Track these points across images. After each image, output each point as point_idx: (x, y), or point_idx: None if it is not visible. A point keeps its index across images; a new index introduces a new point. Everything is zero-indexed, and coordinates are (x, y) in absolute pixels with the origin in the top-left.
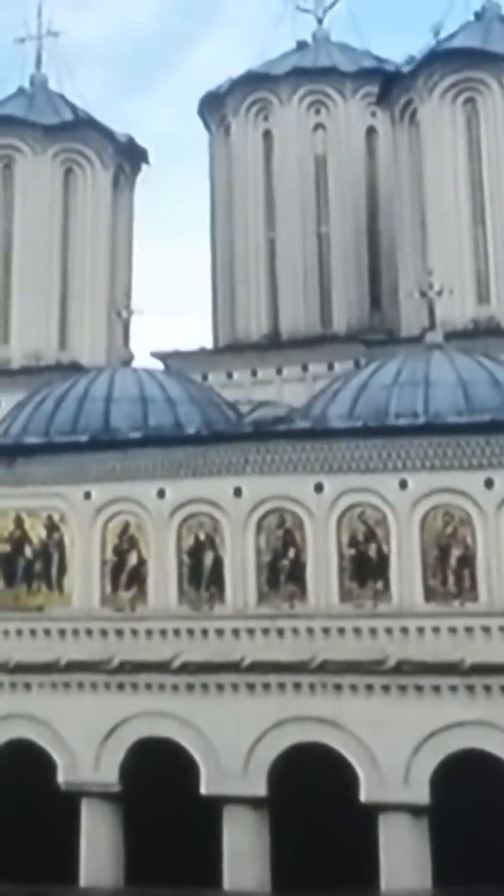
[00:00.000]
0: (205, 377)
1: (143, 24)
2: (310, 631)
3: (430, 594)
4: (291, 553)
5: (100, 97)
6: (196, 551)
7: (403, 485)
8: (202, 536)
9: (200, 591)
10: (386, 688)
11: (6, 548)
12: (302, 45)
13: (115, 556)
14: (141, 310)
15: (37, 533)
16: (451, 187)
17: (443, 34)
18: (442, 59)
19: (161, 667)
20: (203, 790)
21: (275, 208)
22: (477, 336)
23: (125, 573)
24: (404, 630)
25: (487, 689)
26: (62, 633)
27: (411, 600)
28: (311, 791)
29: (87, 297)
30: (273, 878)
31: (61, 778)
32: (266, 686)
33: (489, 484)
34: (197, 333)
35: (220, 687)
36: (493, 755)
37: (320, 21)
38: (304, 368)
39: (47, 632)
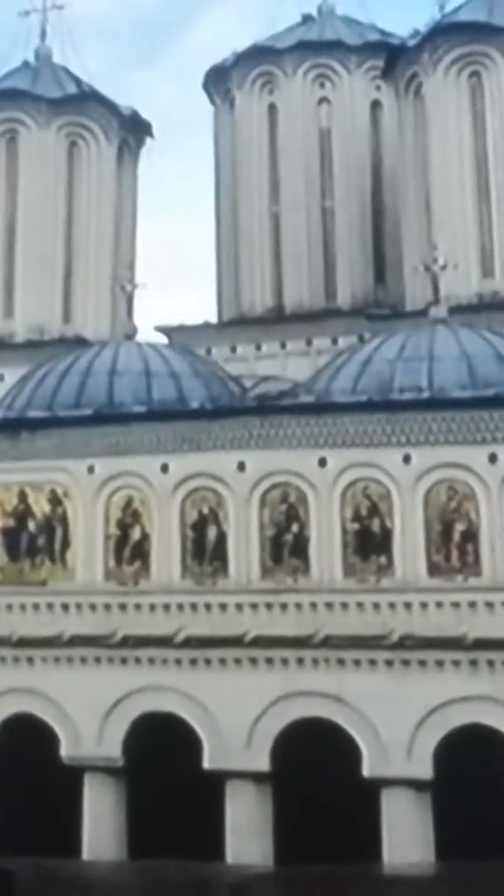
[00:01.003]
0: (208, 351)
1: None
2: (313, 605)
3: (433, 569)
4: (295, 528)
5: (104, 70)
6: (199, 526)
7: (407, 459)
8: (206, 511)
9: (204, 566)
10: (389, 663)
11: (10, 522)
12: (307, 19)
13: (118, 531)
14: (145, 284)
15: (40, 507)
16: (456, 161)
17: (448, 8)
18: (447, 32)
19: (164, 641)
20: (206, 765)
21: (279, 182)
22: (481, 310)
23: (128, 547)
24: (407, 605)
25: (491, 663)
26: (65, 607)
27: (415, 575)
28: (314, 766)
29: (91, 271)
30: (275, 852)
31: (64, 752)
32: (269, 661)
33: (493, 459)
34: (201, 307)
35: (223, 661)
36: (497, 730)
37: None
38: (308, 343)
39: (50, 606)
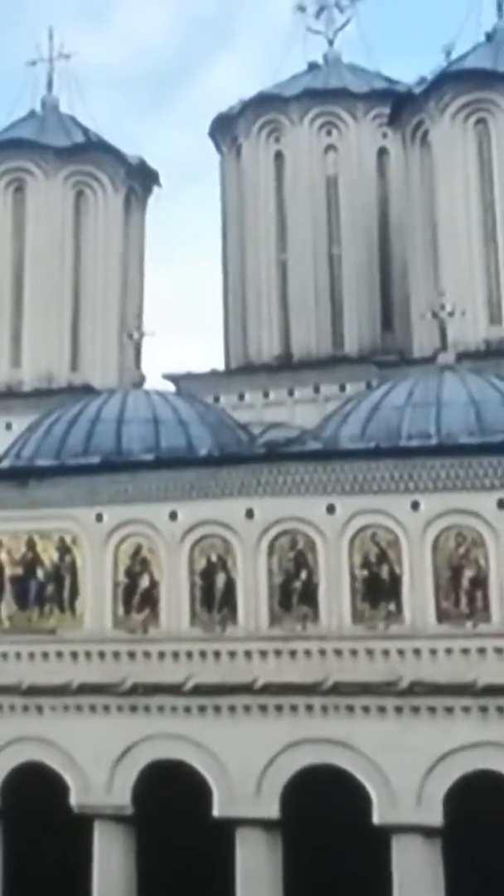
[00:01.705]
0: (216, 399)
1: (155, 47)
2: (322, 652)
3: (442, 615)
4: (303, 574)
5: (111, 120)
6: (208, 573)
7: (415, 506)
8: (214, 558)
9: (213, 613)
10: (398, 709)
11: (18, 570)
12: (313, 67)
13: (127, 579)
14: (152, 331)
15: (49, 555)
16: (463, 208)
17: (454, 55)
18: (453, 79)
19: (173, 689)
20: (216, 812)
21: (286, 230)
22: (489, 357)
23: (137, 595)
24: (417, 651)
25: (500, 710)
26: (74, 655)
27: (424, 621)
28: (324, 813)
29: (99, 320)
30: None
31: (74, 800)
32: (278, 708)
33: (501, 504)
34: (208, 355)
35: (232, 709)
36: None
37: (331, 42)
38: (316, 390)
39: (59, 654)
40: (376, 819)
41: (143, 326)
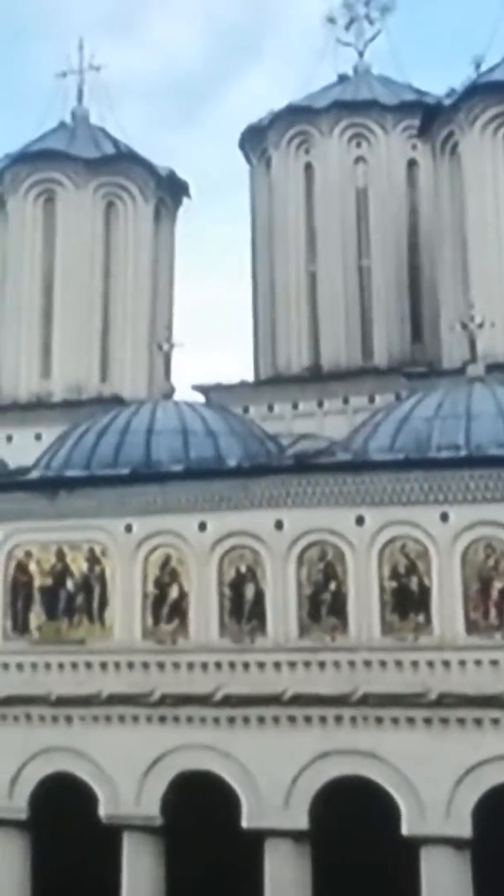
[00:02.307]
0: (246, 410)
1: (185, 58)
2: (351, 664)
3: (471, 627)
4: (333, 586)
5: (141, 131)
6: (237, 584)
7: (445, 517)
8: (243, 569)
9: (242, 624)
10: (427, 721)
11: (48, 581)
12: (343, 79)
13: (156, 589)
14: (182, 343)
15: (78, 566)
16: (493, 219)
17: (484, 67)
18: (483, 91)
19: (202, 700)
20: (244, 823)
21: (316, 241)
22: None
23: (166, 606)
24: (446, 663)
25: None
26: (104, 666)
27: (453, 633)
28: (353, 824)
29: (129, 331)
30: None
31: (103, 811)
32: (307, 719)
33: None
34: (238, 366)
35: (261, 720)
36: None
37: (361, 54)
38: (346, 401)
39: (88, 665)
40: (405, 831)
41: (172, 337)
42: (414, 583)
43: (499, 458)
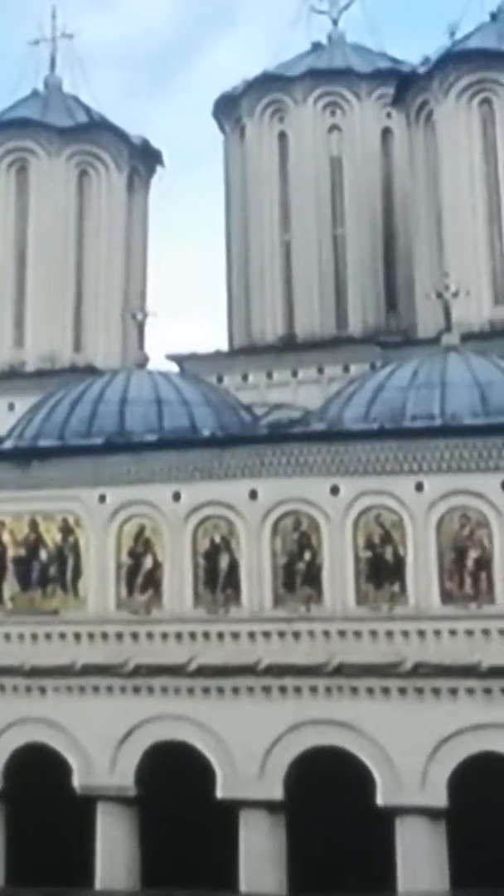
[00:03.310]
0: (220, 379)
1: (158, 27)
2: (326, 634)
3: (446, 597)
4: (307, 556)
5: (114, 99)
6: (211, 554)
7: (419, 487)
8: (217, 539)
9: (216, 594)
10: (402, 691)
11: (21, 551)
12: (317, 47)
13: (130, 560)
14: (156, 312)
15: (52, 536)
16: (467, 188)
17: (458, 35)
18: (457, 59)
19: (176, 670)
20: (219, 794)
21: (290, 210)
22: (493, 337)
23: (140, 576)
24: (421, 633)
25: None
26: (77, 636)
27: (428, 603)
28: (328, 794)
29: (102, 300)
30: (289, 881)
31: (77, 782)
32: (282, 689)
33: None
34: (212, 336)
35: (235, 690)
36: None
37: (335, 22)
38: (320, 370)
39: (62, 635)
40: (380, 801)
41: (146, 307)
42: (389, 552)
43: (473, 427)
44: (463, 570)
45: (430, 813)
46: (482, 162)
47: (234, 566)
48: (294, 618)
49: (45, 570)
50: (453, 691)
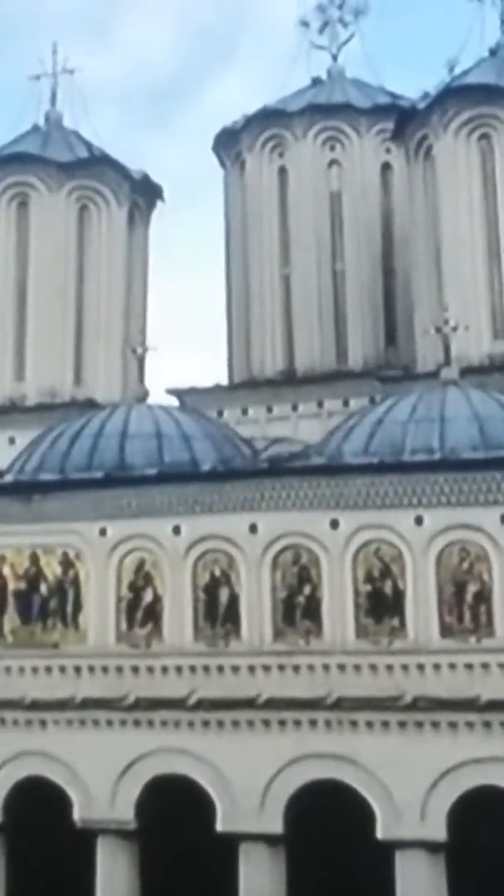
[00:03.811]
0: (220, 413)
1: (159, 62)
2: (325, 667)
3: (446, 630)
4: (307, 589)
5: (115, 134)
6: (211, 588)
7: (419, 521)
8: (217, 573)
9: (216, 628)
10: (402, 724)
11: (22, 585)
12: (317, 82)
13: (130, 593)
14: (156, 346)
15: (52, 570)
16: (467, 223)
17: (458, 70)
18: (457, 94)
19: (177, 704)
20: (219, 827)
21: (290, 245)
22: (492, 372)
23: (141, 610)
24: (420, 666)
25: None
26: (77, 669)
27: (427, 636)
28: (328, 828)
29: (103, 334)
30: None
31: (77, 815)
32: (282, 723)
33: None
34: (212, 370)
35: (235, 724)
36: None
37: (335, 57)
38: (320, 405)
39: (62, 669)
40: (380, 834)
41: (146, 341)
42: (388, 586)
43: (473, 461)
44: (462, 603)
45: (430, 846)
46: (481, 197)
47: (233, 600)
48: (294, 651)
49: (46, 603)
50: (453, 725)
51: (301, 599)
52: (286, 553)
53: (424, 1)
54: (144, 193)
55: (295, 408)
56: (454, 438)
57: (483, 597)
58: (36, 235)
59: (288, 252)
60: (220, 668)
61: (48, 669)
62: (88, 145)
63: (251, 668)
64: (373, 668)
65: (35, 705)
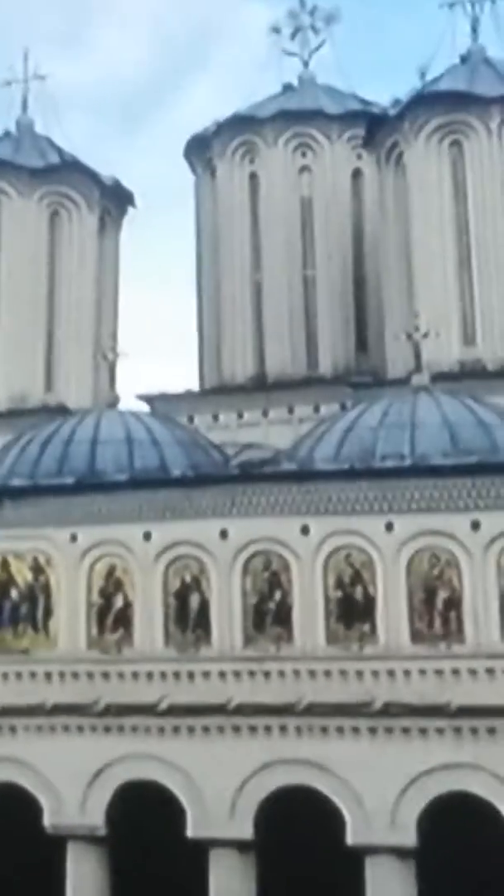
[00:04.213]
0: (191, 419)
1: (130, 68)
2: (296, 673)
3: (416, 636)
4: (278, 595)
5: (86, 141)
6: (182, 594)
7: (390, 527)
8: (188, 579)
9: (187, 634)
10: (373, 730)
11: None
12: (288, 88)
13: (101, 599)
14: (127, 352)
15: (23, 575)
16: (437, 229)
17: (429, 77)
18: (428, 101)
19: (147, 709)
20: (189, 833)
21: (261, 251)
22: (463, 378)
23: (111, 616)
24: (391, 672)
25: (474, 731)
26: (48, 675)
27: (398, 642)
28: (298, 833)
29: (73, 340)
30: None
31: (47, 821)
32: (252, 728)
33: (475, 526)
34: (183, 376)
35: (206, 729)
36: (480, 798)
37: (306, 64)
38: (291, 411)
39: (33, 674)
40: (350, 840)
41: (117, 347)
42: (359, 592)
43: (443, 467)
44: (433, 609)
45: (400, 852)
46: (452, 203)
47: (204, 606)
48: (264, 657)
49: (16, 609)
50: (423, 731)
51: (272, 605)
52: (257, 559)
53: (396, 8)
54: (116, 200)
55: (266, 414)
56: (425, 445)
57: (453, 603)
58: (7, 241)
59: (259, 258)
60: (191, 674)
61: (18, 675)
62: (60, 151)
63: (222, 674)
64: (343, 673)
65: (5, 711)
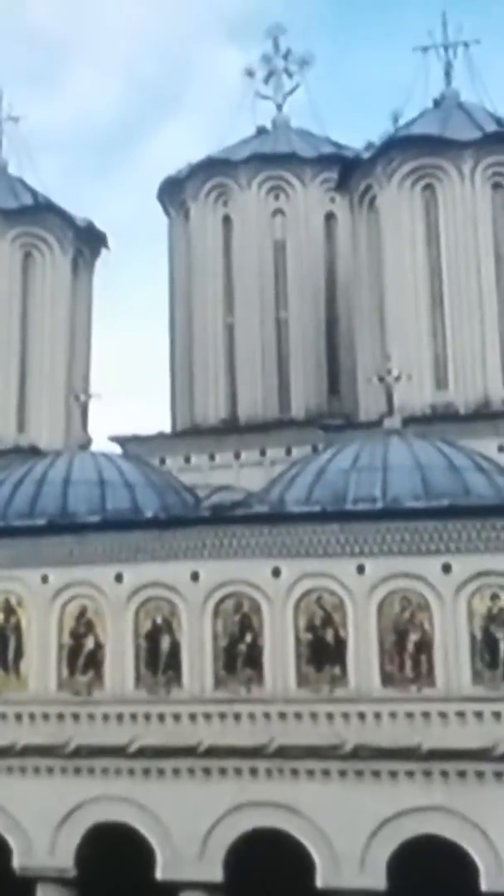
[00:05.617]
0: (163, 461)
1: (104, 111)
2: (266, 716)
3: (387, 679)
4: (248, 637)
5: (60, 182)
6: (153, 635)
7: (361, 569)
8: (159, 620)
9: (157, 676)
10: (343, 773)
11: None
12: (261, 131)
13: (72, 640)
14: (99, 394)
15: None
16: (410, 273)
17: (402, 121)
18: (401, 145)
19: (117, 751)
20: (159, 875)
21: (234, 293)
22: (434, 421)
23: (82, 657)
24: (361, 715)
25: (444, 774)
26: (18, 717)
27: (368, 685)
28: (268, 876)
29: (46, 381)
30: None
31: (16, 862)
32: (223, 771)
33: (446, 569)
34: (155, 418)
35: (176, 772)
36: (450, 841)
37: (280, 107)
38: (262, 453)
39: (3, 716)
40: (320, 883)
41: (89, 388)
42: (330, 635)
43: (414, 510)
44: (403, 652)
45: (370, 895)
46: (425, 247)
47: (175, 647)
48: (235, 699)
49: None
50: (393, 774)
51: (242, 647)
52: (228, 601)
53: (369, 52)
54: (89, 241)
55: (237, 456)
56: (396, 487)
57: (424, 646)
58: None
59: (232, 300)
60: (161, 716)
61: None
62: (33, 193)
63: (192, 716)
64: (313, 716)
65: None
